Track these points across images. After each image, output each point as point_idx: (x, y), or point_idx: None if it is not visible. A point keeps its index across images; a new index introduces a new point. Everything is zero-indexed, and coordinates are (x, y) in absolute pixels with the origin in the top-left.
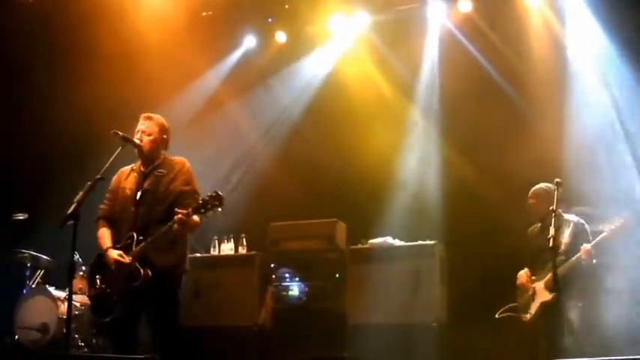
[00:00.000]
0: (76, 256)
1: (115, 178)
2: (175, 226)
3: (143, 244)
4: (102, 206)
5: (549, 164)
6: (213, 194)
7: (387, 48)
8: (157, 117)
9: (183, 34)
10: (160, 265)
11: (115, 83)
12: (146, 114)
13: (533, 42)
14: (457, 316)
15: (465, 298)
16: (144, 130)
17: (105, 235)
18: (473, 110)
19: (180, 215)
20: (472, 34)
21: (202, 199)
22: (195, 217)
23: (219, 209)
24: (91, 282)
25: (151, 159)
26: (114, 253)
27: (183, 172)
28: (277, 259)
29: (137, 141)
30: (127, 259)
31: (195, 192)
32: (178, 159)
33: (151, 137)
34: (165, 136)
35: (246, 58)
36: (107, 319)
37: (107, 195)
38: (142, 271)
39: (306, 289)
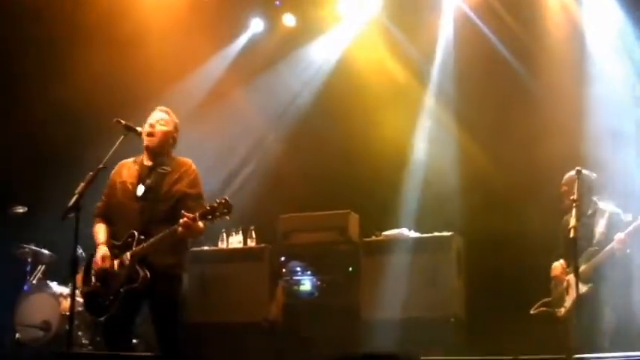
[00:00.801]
0: (79, 250)
1: (113, 172)
2: (180, 229)
3: (144, 244)
4: (99, 204)
5: (570, 153)
6: (223, 201)
7: (400, 31)
8: (174, 115)
9: (185, 18)
10: (158, 266)
11: (114, 71)
12: (164, 107)
13: (549, 24)
14: (475, 310)
15: (483, 292)
16: (160, 119)
17: (100, 230)
18: (489, 96)
19: (186, 219)
20: (487, 16)
21: (211, 206)
22: (200, 223)
23: (227, 217)
24: (86, 279)
25: (158, 153)
26: (99, 254)
27: (188, 174)
28: (288, 252)
29: (148, 128)
30: (107, 264)
31: (200, 196)
32: (184, 159)
33: (165, 129)
34: (176, 135)
35: (253, 43)
36: (102, 319)
37: (105, 190)
38: (140, 272)
39: (318, 283)
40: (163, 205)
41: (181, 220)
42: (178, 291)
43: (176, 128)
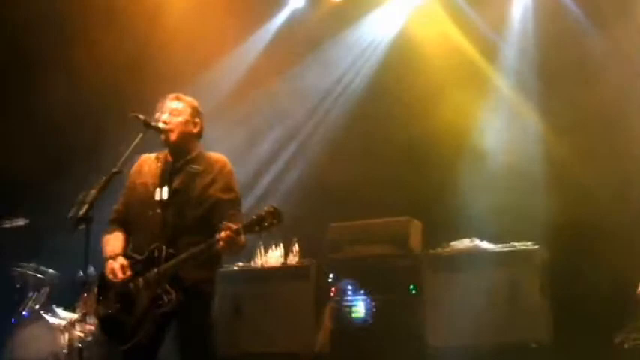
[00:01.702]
0: (90, 269)
1: (133, 169)
2: (221, 243)
3: (174, 260)
4: (115, 207)
5: None
6: (271, 210)
7: (468, 2)
8: (189, 98)
9: None
10: (189, 282)
11: (132, 59)
12: (174, 94)
13: None
14: (563, 335)
15: (572, 314)
16: (172, 110)
17: (117, 239)
18: (575, 78)
19: (228, 232)
20: None
21: (257, 215)
22: (243, 237)
23: (274, 229)
24: (101, 299)
25: (182, 149)
26: (117, 263)
27: (224, 175)
28: (337, 269)
29: (162, 124)
30: (127, 273)
31: (238, 202)
32: (218, 156)
33: (181, 119)
34: (197, 121)
35: (292, 21)
36: (126, 347)
37: (122, 191)
38: (172, 293)
39: (374, 305)
40: (193, 212)
41: (223, 234)
42: (211, 312)
43: (195, 113)
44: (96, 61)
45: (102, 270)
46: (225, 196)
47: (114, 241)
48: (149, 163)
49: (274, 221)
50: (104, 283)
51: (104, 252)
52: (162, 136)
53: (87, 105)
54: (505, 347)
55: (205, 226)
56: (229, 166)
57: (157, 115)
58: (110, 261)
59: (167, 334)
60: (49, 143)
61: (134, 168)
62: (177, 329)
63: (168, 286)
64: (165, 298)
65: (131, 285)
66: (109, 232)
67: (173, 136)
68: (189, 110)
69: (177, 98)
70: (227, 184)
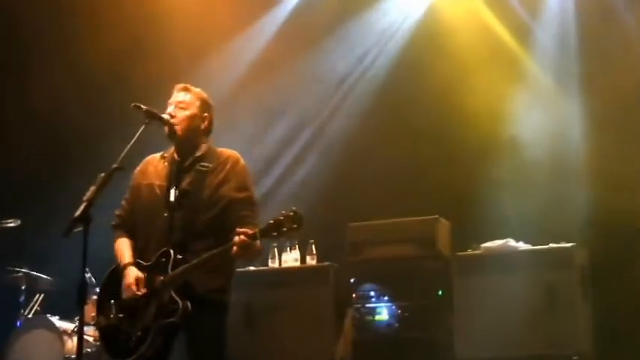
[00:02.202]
0: (88, 274)
1: (137, 170)
2: (235, 249)
3: (184, 266)
4: (118, 212)
5: None
6: (291, 213)
7: None
8: (198, 90)
9: None
10: (200, 291)
11: (134, 44)
12: (182, 85)
13: None
14: (608, 346)
15: (617, 322)
16: (178, 102)
17: (124, 247)
18: (618, 65)
19: (243, 237)
20: None
21: (275, 219)
22: (258, 242)
23: (296, 233)
24: (102, 308)
25: (189, 145)
26: (131, 276)
27: (236, 172)
28: (359, 272)
29: (167, 116)
30: (142, 290)
31: (253, 202)
32: (230, 152)
33: (188, 112)
34: (206, 115)
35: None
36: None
37: (126, 196)
38: (180, 303)
39: (399, 311)
40: (205, 214)
41: (237, 238)
42: (224, 324)
43: (203, 107)
44: (96, 49)
45: (105, 278)
46: (239, 195)
47: (121, 250)
48: (154, 163)
49: (294, 226)
50: (106, 292)
51: (118, 260)
52: (167, 130)
53: (85, 98)
54: None
55: (218, 229)
56: (242, 162)
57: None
58: (128, 270)
59: (176, 349)
60: (43, 137)
61: (138, 169)
62: (186, 343)
63: (175, 295)
64: (173, 308)
65: (144, 294)
66: (116, 237)
67: (179, 131)
68: (197, 103)
69: (185, 89)
70: (240, 182)
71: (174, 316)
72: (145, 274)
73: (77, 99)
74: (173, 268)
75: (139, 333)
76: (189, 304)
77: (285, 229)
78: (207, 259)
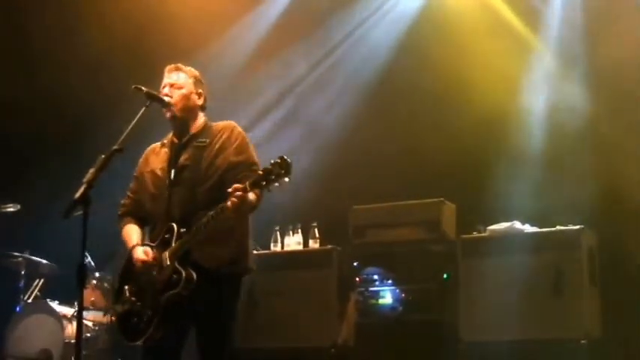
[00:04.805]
0: (87, 259)
1: (141, 160)
2: (229, 204)
3: (184, 237)
4: (124, 201)
5: None
6: (278, 160)
7: None
8: (189, 68)
9: None
10: (207, 264)
11: (132, 27)
12: (173, 65)
13: None
14: (615, 329)
15: (626, 305)
16: (172, 83)
17: (131, 232)
18: (628, 50)
19: (237, 191)
20: None
21: (264, 169)
22: (251, 195)
23: (286, 179)
24: (119, 296)
25: (186, 123)
26: (139, 251)
27: (232, 139)
28: (362, 256)
29: (167, 98)
30: (151, 256)
31: (252, 162)
32: (225, 123)
33: (183, 91)
34: (201, 91)
35: None
36: (138, 342)
37: (131, 185)
38: (183, 273)
39: (403, 295)
40: (204, 185)
41: (229, 192)
42: (235, 300)
43: (197, 84)
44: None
45: (122, 268)
46: (237, 159)
47: (128, 235)
48: (155, 151)
49: (282, 172)
50: (122, 281)
51: (127, 245)
52: (165, 112)
53: (85, 83)
54: (550, 343)
55: (218, 198)
56: (238, 129)
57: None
58: (135, 250)
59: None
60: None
61: (141, 159)
62: (196, 324)
63: (178, 266)
64: (175, 280)
65: (154, 258)
66: (123, 225)
67: (176, 110)
68: (190, 81)
69: (177, 69)
70: (237, 147)
71: (177, 288)
72: (153, 252)
73: (78, 85)
74: (176, 242)
75: (150, 312)
76: (193, 274)
77: (273, 176)
78: (205, 224)
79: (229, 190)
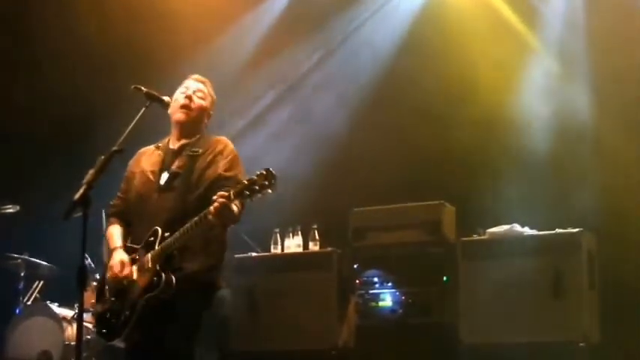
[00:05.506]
0: (87, 260)
1: (132, 162)
2: (212, 210)
3: (167, 240)
4: (114, 201)
5: None
6: (263, 172)
7: None
8: (211, 87)
9: None
10: (187, 271)
11: (131, 26)
12: (197, 75)
13: None
14: (614, 332)
15: (624, 309)
16: (201, 90)
17: (114, 233)
18: (630, 53)
19: (221, 199)
20: None
21: (248, 179)
22: (235, 207)
23: (270, 191)
24: (100, 296)
25: (189, 131)
26: (116, 258)
27: (225, 155)
28: (362, 258)
29: (167, 98)
30: (124, 273)
31: (239, 181)
32: (219, 138)
33: (204, 103)
34: (212, 113)
35: None
36: (114, 342)
37: (122, 185)
38: (163, 276)
39: (403, 297)
40: (193, 193)
41: (214, 198)
42: (202, 312)
43: (212, 104)
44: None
45: (103, 268)
46: (226, 174)
47: (112, 236)
48: (148, 152)
49: (265, 183)
50: (105, 281)
51: (109, 245)
52: (179, 113)
53: (84, 79)
54: (549, 346)
55: (205, 207)
56: (231, 146)
57: (179, 90)
58: (115, 253)
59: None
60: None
61: (133, 159)
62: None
63: (160, 270)
64: (156, 283)
65: (128, 273)
66: (109, 225)
67: (192, 116)
68: (210, 99)
69: (204, 82)
70: (229, 163)
71: (156, 290)
72: (134, 255)
73: (78, 85)
74: (159, 245)
75: (127, 312)
76: (173, 278)
77: (257, 187)
78: (189, 229)
79: (214, 197)
